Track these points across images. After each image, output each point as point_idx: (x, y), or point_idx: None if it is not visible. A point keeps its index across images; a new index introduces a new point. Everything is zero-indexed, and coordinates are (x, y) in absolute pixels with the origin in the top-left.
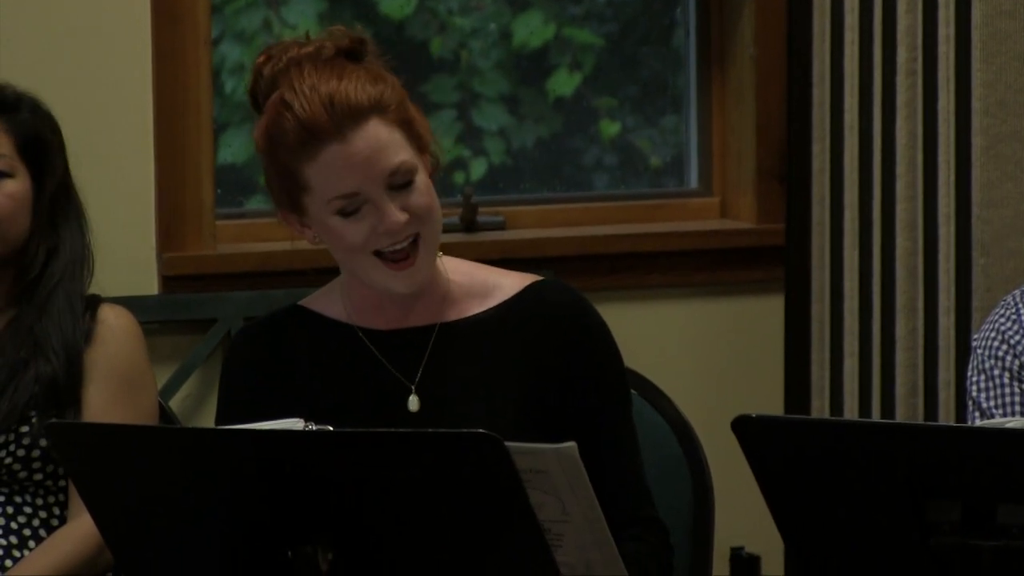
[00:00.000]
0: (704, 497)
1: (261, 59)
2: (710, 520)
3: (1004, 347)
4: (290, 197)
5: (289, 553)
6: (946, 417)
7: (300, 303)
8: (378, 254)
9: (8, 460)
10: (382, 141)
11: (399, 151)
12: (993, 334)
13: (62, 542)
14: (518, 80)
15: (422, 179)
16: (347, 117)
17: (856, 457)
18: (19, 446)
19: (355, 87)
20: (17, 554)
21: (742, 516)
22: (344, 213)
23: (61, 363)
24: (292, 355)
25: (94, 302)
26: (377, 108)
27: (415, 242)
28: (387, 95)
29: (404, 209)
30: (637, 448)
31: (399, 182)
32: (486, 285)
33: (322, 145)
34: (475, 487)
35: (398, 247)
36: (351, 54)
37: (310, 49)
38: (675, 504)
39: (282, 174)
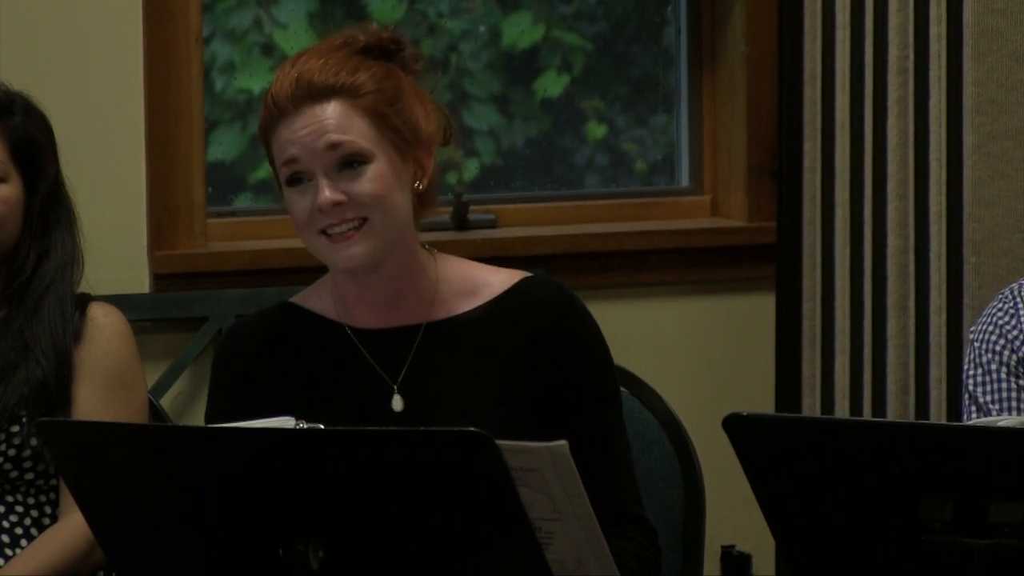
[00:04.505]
0: (695, 496)
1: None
2: (701, 518)
3: (1001, 341)
4: (273, 170)
5: (280, 551)
6: (937, 415)
7: (291, 300)
8: (324, 234)
9: None
10: (332, 120)
11: (349, 133)
12: (991, 328)
13: (53, 540)
14: (508, 80)
15: (378, 170)
16: (305, 93)
17: (848, 455)
18: (10, 446)
19: (325, 68)
20: (9, 552)
21: (733, 515)
22: (289, 182)
23: (51, 365)
24: (281, 352)
25: (84, 301)
26: (343, 91)
27: (360, 227)
28: (362, 83)
29: (345, 192)
30: (626, 444)
31: (343, 162)
32: (475, 283)
33: (282, 118)
34: (466, 485)
35: (337, 230)
36: (377, 50)
37: (340, 40)
38: (666, 503)
39: (265, 146)
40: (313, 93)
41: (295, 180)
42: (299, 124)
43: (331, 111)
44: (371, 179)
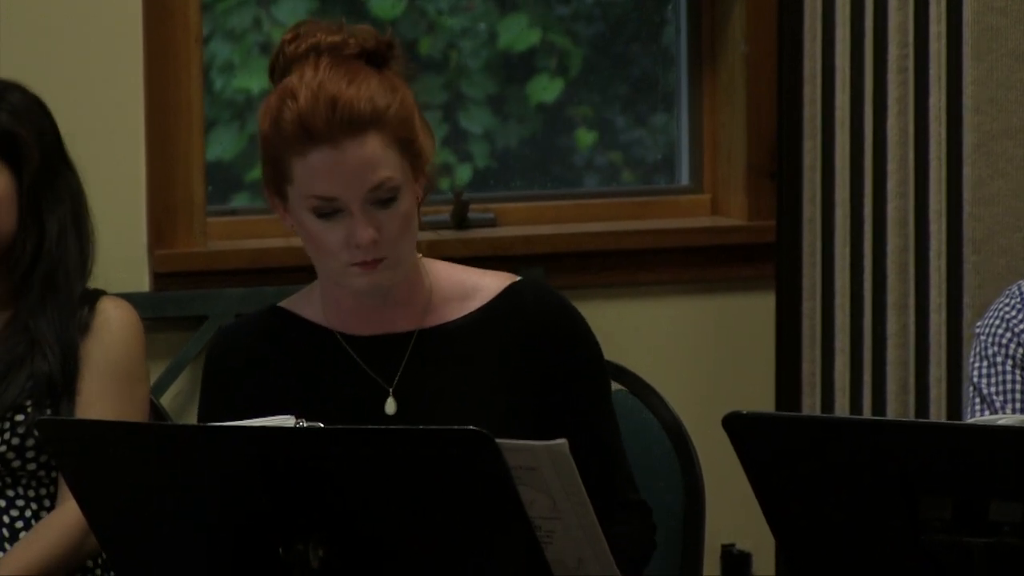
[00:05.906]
0: (695, 494)
1: (288, 36)
2: (701, 517)
3: (1008, 335)
4: (275, 181)
5: (280, 550)
6: (937, 414)
7: (280, 304)
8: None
9: (2, 448)
10: (373, 157)
11: (387, 168)
12: (997, 321)
13: (47, 531)
14: (504, 81)
15: (405, 202)
16: (345, 125)
17: (847, 454)
18: (14, 435)
19: (361, 95)
20: (9, 547)
21: (733, 513)
22: (319, 213)
23: (57, 360)
24: (273, 354)
25: (95, 296)
26: (378, 122)
27: (381, 259)
28: (392, 110)
29: (377, 228)
30: (618, 435)
31: (381, 197)
32: (465, 288)
33: (314, 145)
34: (466, 484)
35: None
36: (373, 57)
37: (335, 40)
38: (666, 501)
39: (274, 158)
40: (353, 124)
41: (327, 213)
42: (339, 159)
43: (370, 147)
44: (400, 213)
